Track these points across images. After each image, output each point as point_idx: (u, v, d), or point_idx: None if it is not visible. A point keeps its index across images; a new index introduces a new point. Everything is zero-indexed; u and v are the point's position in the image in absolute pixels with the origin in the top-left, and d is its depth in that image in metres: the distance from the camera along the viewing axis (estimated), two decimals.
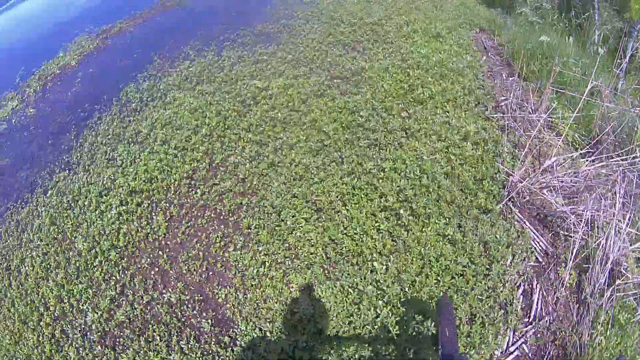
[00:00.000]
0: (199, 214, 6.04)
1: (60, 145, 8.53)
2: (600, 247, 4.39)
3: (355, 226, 5.09)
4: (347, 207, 5.34)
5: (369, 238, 4.98)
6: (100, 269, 5.73)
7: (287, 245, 5.21)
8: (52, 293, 5.69)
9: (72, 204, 6.79)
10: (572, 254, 4.49)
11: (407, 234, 4.92)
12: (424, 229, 4.94)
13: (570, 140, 6.05)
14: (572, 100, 6.33)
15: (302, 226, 5.27)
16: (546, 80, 6.70)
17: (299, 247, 5.13)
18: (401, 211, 5.10)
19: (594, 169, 5.29)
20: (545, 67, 7.21)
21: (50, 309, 5.59)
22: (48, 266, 6.08)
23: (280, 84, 7.78)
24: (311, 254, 5.04)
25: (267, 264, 5.11)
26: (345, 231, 5.11)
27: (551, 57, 7.27)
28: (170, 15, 14.27)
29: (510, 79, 7.62)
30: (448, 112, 6.53)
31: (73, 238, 6.26)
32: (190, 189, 6.38)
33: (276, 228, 5.41)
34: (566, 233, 4.84)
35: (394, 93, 7.04)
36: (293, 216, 5.44)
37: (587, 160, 5.49)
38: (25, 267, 6.23)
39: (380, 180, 5.54)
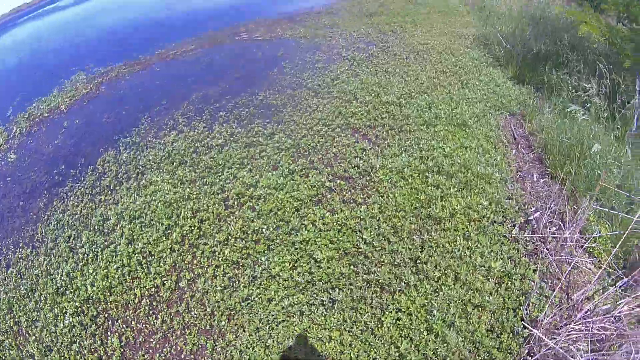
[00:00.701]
0: (157, 346, 5.23)
1: (29, 212, 8.12)
2: None
3: None
4: None
5: None
6: None
7: None
8: None
9: (30, 294, 6.31)
10: None
11: None
12: None
13: (604, 263, 5.10)
14: (610, 216, 5.58)
15: None
16: (582, 184, 6.10)
17: None
18: None
19: (629, 308, 4.38)
20: (582, 169, 6.37)
21: None
22: (3, 357, 5.52)
23: (271, 182, 7.03)
24: None
25: None
26: None
27: (590, 156, 6.36)
28: (169, 67, 14.08)
29: (542, 180, 6.80)
30: (470, 237, 5.63)
31: (27, 335, 5.71)
32: (151, 312, 5.62)
33: None
34: None
35: (407, 207, 6.20)
36: None
37: (623, 293, 4.67)
38: None
39: (377, 339, 4.65)
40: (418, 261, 5.40)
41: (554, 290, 4.83)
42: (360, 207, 6.31)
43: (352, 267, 5.47)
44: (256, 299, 5.35)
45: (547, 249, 5.44)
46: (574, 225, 5.42)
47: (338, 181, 6.93)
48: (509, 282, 5.02)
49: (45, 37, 25.90)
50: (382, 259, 5.50)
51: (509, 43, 11.38)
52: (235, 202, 6.83)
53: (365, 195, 6.58)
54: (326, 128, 8.41)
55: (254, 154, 7.94)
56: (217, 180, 7.40)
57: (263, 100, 9.98)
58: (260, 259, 5.82)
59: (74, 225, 7.31)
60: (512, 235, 5.69)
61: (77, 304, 5.86)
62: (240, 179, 7.26)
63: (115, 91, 12.86)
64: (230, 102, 10.15)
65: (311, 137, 8.18)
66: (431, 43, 12.62)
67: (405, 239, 5.74)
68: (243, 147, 8.19)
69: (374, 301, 5.02)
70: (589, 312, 4.40)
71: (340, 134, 8.18)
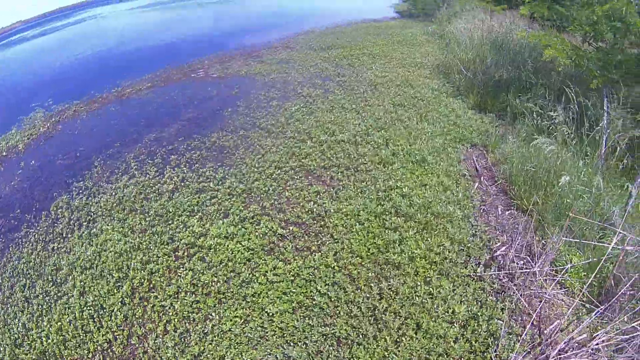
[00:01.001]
0: None
1: None
2: None
3: None
4: None
5: None
6: None
7: None
8: None
9: None
10: None
11: None
12: None
13: (578, 294, 5.14)
14: (582, 244, 5.60)
15: None
16: (551, 214, 6.09)
17: None
18: None
19: (607, 338, 4.36)
20: (550, 198, 6.40)
21: None
22: None
23: (221, 231, 6.91)
24: None
25: None
26: None
27: (558, 185, 6.28)
28: (125, 107, 14.07)
29: (507, 212, 6.82)
30: (431, 282, 5.58)
31: None
32: None
33: None
34: None
35: (363, 253, 6.15)
36: None
37: (600, 321, 4.71)
38: None
39: None
40: (376, 311, 5.32)
41: (524, 328, 4.78)
42: (314, 255, 6.23)
43: (306, 320, 5.36)
44: (208, 355, 5.18)
45: (515, 285, 5.41)
46: (544, 257, 5.41)
47: (291, 228, 6.85)
48: (476, 325, 4.96)
49: (6, 70, 25.67)
50: (338, 311, 5.40)
51: (470, 71, 11.46)
52: (185, 253, 6.70)
53: (319, 242, 6.51)
54: (279, 171, 8.37)
55: (204, 200, 7.84)
56: (167, 229, 7.26)
57: (215, 142, 9.94)
58: (211, 313, 5.67)
59: (29, 273, 7.12)
60: (477, 274, 5.65)
61: (34, 356, 5.67)
62: (190, 227, 7.14)
63: (71, 131, 12.73)
64: (182, 144, 10.08)
65: (263, 181, 8.13)
66: (389, 75, 12.79)
67: (363, 287, 5.67)
68: (194, 193, 8.09)
69: (331, 355, 4.89)
70: (564, 347, 4.35)
71: (293, 177, 8.15)
